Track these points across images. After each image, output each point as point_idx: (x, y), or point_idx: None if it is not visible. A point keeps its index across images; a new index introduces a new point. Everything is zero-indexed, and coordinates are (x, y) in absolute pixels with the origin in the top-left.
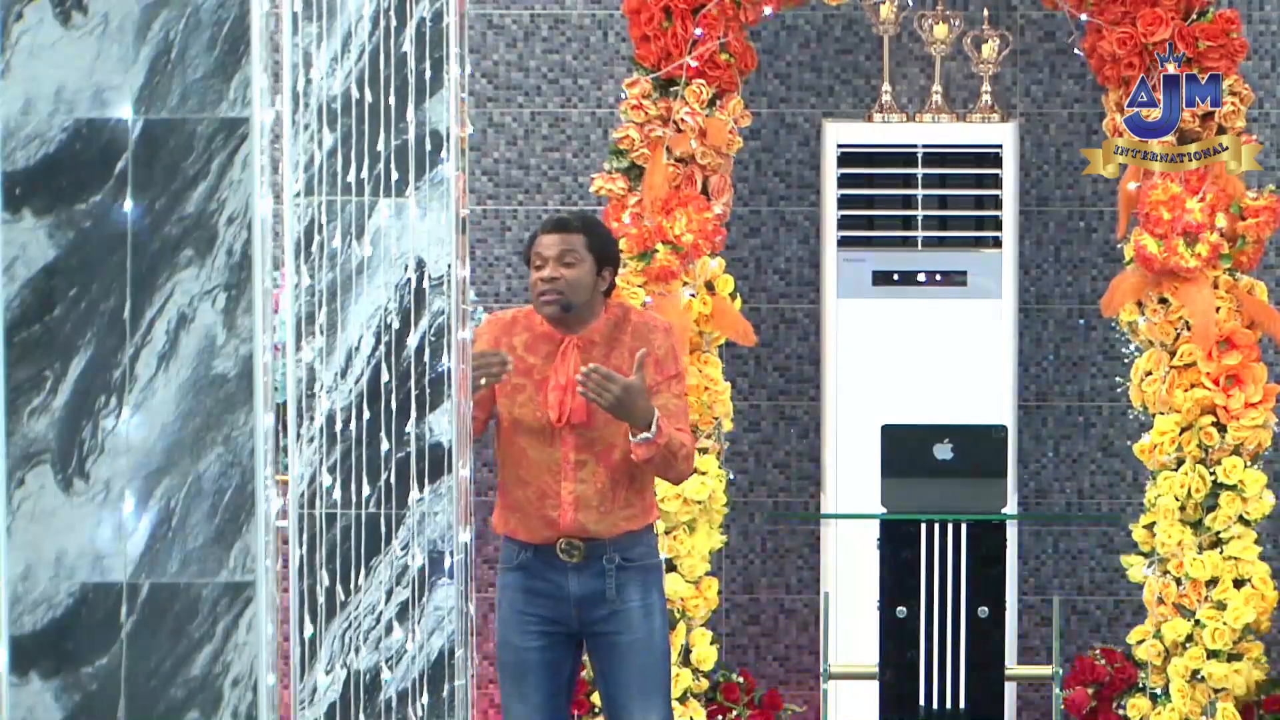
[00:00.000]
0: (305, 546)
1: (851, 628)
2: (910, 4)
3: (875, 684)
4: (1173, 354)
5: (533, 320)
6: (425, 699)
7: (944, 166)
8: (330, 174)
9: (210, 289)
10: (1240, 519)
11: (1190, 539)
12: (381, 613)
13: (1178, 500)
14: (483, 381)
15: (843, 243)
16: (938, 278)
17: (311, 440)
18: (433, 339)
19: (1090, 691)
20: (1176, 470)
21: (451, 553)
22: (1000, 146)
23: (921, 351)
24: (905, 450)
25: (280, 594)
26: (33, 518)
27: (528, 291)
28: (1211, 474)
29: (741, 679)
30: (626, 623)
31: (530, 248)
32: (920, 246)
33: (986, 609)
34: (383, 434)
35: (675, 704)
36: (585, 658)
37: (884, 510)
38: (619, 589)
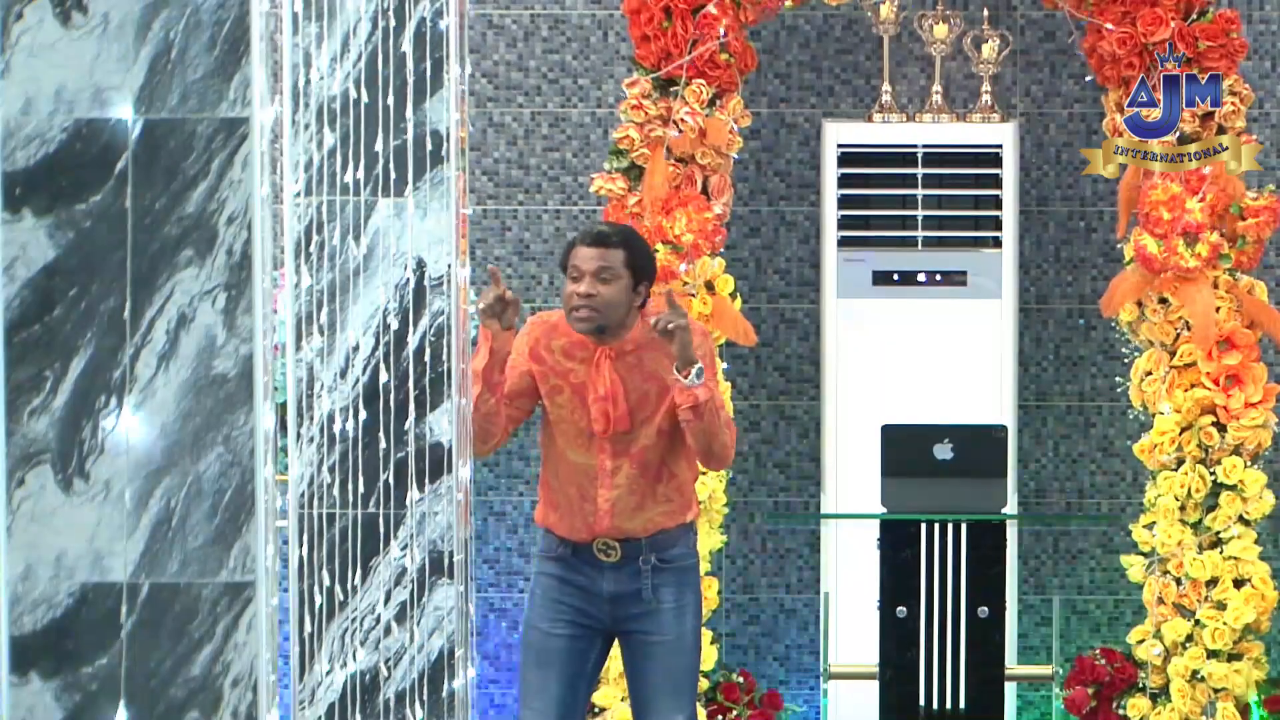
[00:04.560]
0: (305, 546)
1: (851, 628)
2: (910, 4)
3: (875, 684)
4: (1173, 354)
5: (570, 326)
6: (425, 699)
7: (944, 166)
8: (330, 174)
9: (210, 289)
10: (1240, 519)
11: (1190, 539)
12: (381, 613)
13: (1178, 500)
14: (480, 306)
15: (843, 243)
16: (938, 278)
17: (311, 440)
18: (432, 339)
19: (1090, 691)
20: (1176, 470)
21: (451, 553)
22: (1000, 146)
23: (921, 351)
24: (905, 450)
25: (280, 594)
26: (33, 518)
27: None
28: (1211, 474)
29: (741, 679)
30: (659, 623)
31: (567, 257)
32: (920, 246)
33: (986, 609)
34: (382, 434)
35: None
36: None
37: (884, 510)
38: (654, 589)
